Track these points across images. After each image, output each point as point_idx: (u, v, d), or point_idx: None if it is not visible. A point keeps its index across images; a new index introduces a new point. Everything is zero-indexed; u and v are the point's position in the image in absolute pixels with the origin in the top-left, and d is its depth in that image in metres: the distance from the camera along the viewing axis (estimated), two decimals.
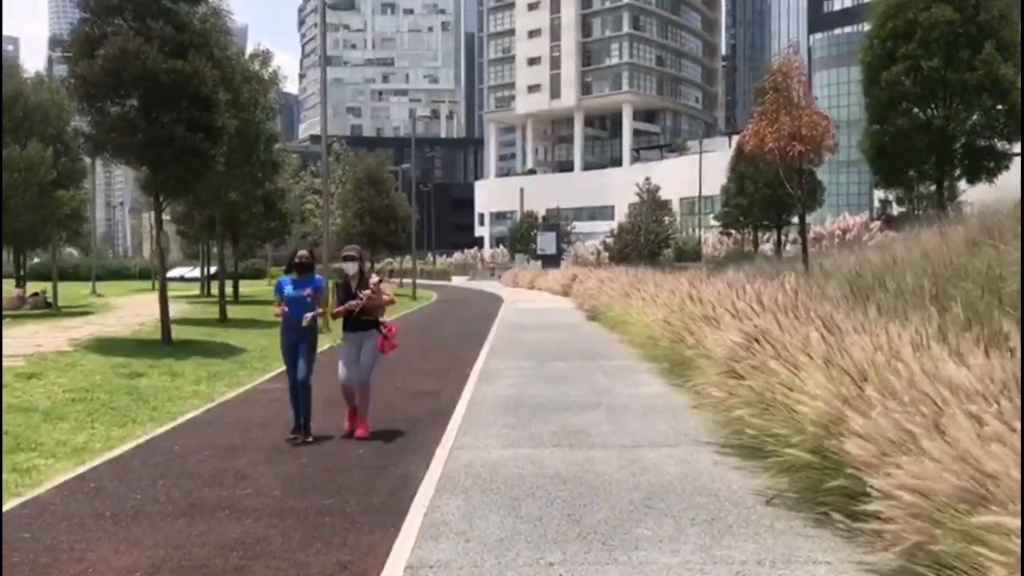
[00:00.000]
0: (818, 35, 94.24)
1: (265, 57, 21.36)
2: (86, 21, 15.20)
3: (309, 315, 8.31)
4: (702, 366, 9.43)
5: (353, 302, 8.33)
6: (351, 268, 8.53)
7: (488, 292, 45.89)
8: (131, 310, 27.46)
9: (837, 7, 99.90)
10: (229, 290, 36.14)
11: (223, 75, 19.02)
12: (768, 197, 32.39)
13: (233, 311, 26.92)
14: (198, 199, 23.19)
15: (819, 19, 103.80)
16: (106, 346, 15.91)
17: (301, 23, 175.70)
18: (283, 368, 10.40)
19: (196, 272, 49.86)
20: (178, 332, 18.39)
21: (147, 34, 14.47)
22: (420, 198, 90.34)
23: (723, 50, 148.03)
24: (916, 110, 21.39)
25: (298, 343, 8.46)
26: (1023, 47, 20.67)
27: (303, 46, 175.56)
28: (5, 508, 6.10)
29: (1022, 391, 4.39)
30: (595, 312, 22.35)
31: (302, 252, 8.76)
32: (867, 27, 23.18)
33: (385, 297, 8.61)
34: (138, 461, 7.58)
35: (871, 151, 22.33)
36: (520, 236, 73.23)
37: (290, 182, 52.22)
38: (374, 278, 8.58)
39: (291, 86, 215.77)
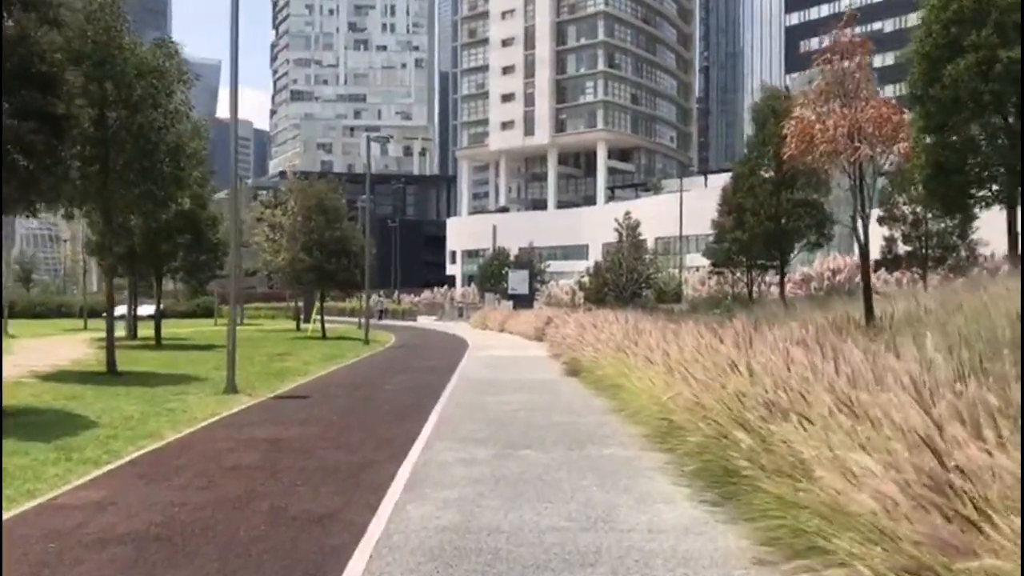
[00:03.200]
0: (795, 74, 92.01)
1: (168, 49, 17.06)
2: None
3: None
4: (785, 498, 5.13)
5: None
6: None
7: (453, 335, 41.50)
8: (22, 356, 22.75)
9: (815, 46, 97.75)
10: (147, 332, 31.64)
11: (113, 66, 14.86)
12: (771, 231, 28.40)
13: (140, 359, 22.40)
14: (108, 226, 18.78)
15: (796, 58, 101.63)
16: None
17: (273, 59, 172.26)
18: (124, 460, 6.05)
19: (147, 309, 44.95)
20: (31, 391, 14.06)
21: None
22: (388, 234, 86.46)
23: (697, 91, 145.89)
24: (987, 115, 17.11)
25: None
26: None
27: (275, 82, 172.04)
28: None
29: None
30: (575, 366, 18.05)
31: None
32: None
33: None
34: None
35: (926, 169, 18.06)
36: (490, 274, 68.98)
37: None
38: None
39: (262, 122, 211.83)
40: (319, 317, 38.11)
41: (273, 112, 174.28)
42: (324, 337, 35.83)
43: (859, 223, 13.05)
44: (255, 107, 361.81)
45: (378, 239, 58.08)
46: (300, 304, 48.06)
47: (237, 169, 15.80)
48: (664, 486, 7.81)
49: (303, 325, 44.40)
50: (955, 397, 4.29)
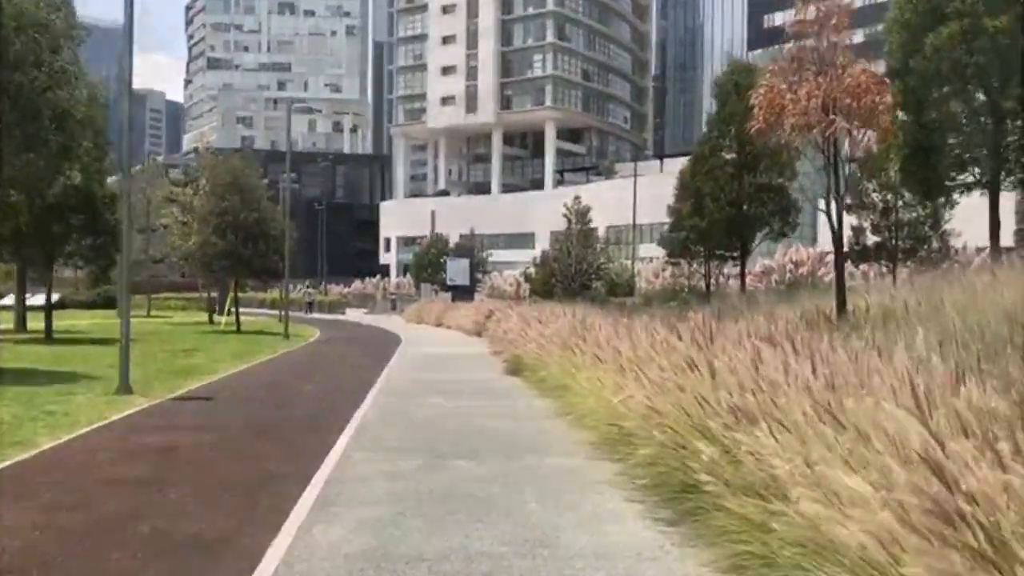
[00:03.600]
0: (758, 51, 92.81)
1: (54, 1, 16.10)
2: None
3: None
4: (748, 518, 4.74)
5: None
6: None
7: (385, 329, 40.87)
8: None
9: (779, 21, 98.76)
10: (39, 324, 30.35)
11: None
12: (731, 218, 28.30)
13: (25, 355, 21.36)
14: None
15: (759, 34, 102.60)
16: None
17: (189, 22, 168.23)
18: None
19: (38, 299, 42.95)
20: None
21: None
22: (315, 218, 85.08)
23: (653, 68, 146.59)
24: (970, 88, 16.91)
25: None
26: None
27: (190, 48, 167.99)
28: None
29: None
30: (517, 364, 17.69)
31: None
32: None
33: None
34: None
35: (903, 149, 17.84)
36: (428, 263, 68.27)
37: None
38: None
39: (176, 93, 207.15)
40: (234, 308, 37.14)
41: (188, 82, 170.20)
42: (239, 331, 34.91)
43: (832, 206, 12.79)
44: (168, 76, 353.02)
45: (304, 223, 57.00)
46: (213, 295, 46.81)
47: (128, 134, 14.97)
48: (613, 502, 7.40)
49: (216, 317, 43.26)
50: (958, 402, 3.92)
